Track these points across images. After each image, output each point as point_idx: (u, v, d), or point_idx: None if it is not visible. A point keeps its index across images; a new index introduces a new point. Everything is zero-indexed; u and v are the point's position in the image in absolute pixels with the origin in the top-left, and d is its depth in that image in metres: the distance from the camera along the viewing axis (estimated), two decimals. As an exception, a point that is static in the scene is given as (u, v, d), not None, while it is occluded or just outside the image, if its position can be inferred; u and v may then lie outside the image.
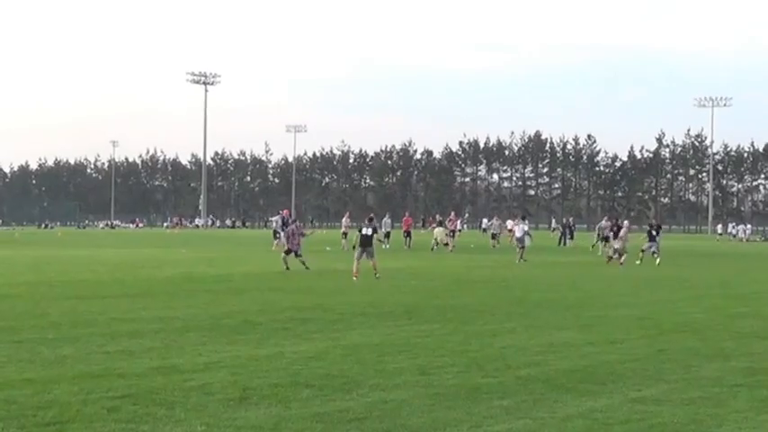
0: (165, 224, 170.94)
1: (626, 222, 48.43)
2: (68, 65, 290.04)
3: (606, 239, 50.86)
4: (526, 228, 48.32)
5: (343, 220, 64.61)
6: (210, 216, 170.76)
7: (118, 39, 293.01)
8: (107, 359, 14.12)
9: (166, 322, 18.85)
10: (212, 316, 20.03)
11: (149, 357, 14.35)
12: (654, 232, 47.25)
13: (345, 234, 59.90)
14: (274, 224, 59.89)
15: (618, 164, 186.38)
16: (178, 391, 11.72)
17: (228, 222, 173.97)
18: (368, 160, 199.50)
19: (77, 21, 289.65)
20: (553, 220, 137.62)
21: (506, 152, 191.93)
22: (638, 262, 44.16)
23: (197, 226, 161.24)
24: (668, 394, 11.99)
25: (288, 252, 35.92)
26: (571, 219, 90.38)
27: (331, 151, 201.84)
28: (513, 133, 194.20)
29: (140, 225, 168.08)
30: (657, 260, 43.83)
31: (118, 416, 10.40)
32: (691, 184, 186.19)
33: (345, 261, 36.79)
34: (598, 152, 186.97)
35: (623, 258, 43.06)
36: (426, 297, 25.22)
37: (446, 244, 57.38)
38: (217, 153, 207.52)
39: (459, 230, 76.20)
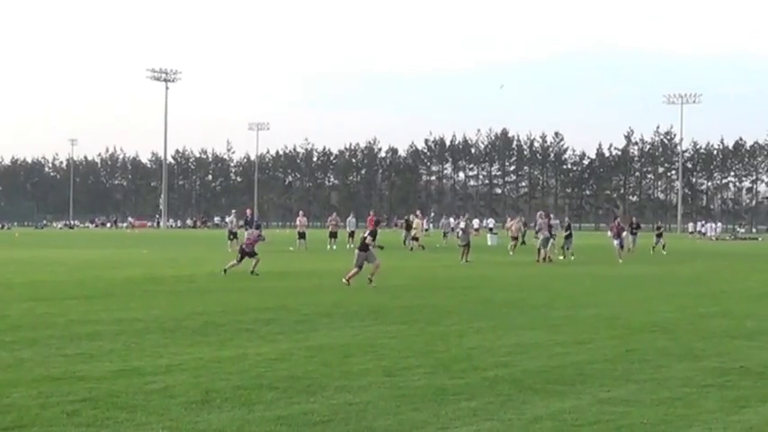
0: (124, 224, 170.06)
1: (540, 213, 49.75)
2: (25, 61, 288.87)
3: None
4: (462, 225, 48.45)
5: (298, 219, 63.81)
6: (157, 215, 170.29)
7: (76, 35, 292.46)
8: (66, 362, 13.87)
9: (127, 324, 18.59)
10: (174, 317, 19.79)
11: (109, 360, 14.11)
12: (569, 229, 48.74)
13: (302, 234, 59.03)
14: (229, 224, 58.87)
15: (586, 162, 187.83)
16: (139, 395, 11.52)
17: (190, 222, 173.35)
18: (332, 158, 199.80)
19: (35, 17, 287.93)
20: (508, 219, 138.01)
21: (473, 150, 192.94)
22: (561, 257, 47.59)
23: (157, 225, 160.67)
24: (637, 395, 11.89)
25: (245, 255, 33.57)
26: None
27: (294, 149, 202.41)
28: (479, 131, 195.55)
29: (110, 225, 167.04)
30: (548, 254, 45.37)
31: (78, 420, 10.20)
32: (660, 182, 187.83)
33: (307, 261, 36.53)
34: (566, 150, 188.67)
35: (544, 253, 45.25)
36: (392, 297, 25.06)
37: (416, 238, 57.44)
38: (178, 151, 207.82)
39: (426, 230, 76.25)
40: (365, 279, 28.43)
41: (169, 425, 10.02)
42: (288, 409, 10.81)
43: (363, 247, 29.30)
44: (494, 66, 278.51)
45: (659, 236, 57.65)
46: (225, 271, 32.73)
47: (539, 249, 45.82)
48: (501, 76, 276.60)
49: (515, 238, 58.17)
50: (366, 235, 29.98)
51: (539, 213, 50.94)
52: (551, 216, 51.31)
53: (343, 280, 28.58)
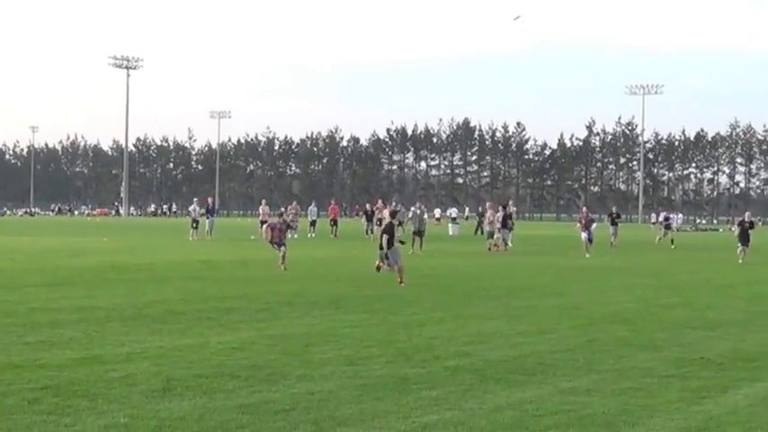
0: (86, 212, 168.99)
1: (490, 204, 50.12)
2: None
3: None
4: (410, 215, 48.59)
5: (260, 208, 63.64)
6: (117, 203, 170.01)
7: (37, 21, 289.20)
8: (27, 350, 13.80)
9: (88, 312, 18.50)
10: (134, 305, 19.71)
11: (70, 348, 14.05)
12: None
13: (265, 222, 58.81)
14: (193, 213, 58.58)
15: (547, 152, 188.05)
16: (100, 383, 11.47)
17: (151, 209, 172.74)
18: (293, 147, 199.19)
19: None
20: (467, 209, 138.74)
21: (434, 140, 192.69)
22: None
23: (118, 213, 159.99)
24: (599, 385, 11.94)
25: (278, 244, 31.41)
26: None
27: (256, 138, 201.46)
28: (441, 120, 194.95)
29: (77, 213, 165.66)
30: (493, 244, 46.38)
31: (39, 408, 10.15)
32: (621, 173, 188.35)
33: (269, 250, 36.22)
34: (527, 140, 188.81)
35: (496, 243, 46.19)
36: (353, 287, 25.06)
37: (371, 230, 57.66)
38: (139, 139, 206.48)
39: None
40: (330, 267, 28.35)
41: (130, 413, 9.97)
42: (249, 398, 10.80)
43: (387, 244, 27.11)
44: (456, 57, 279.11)
45: (668, 228, 57.76)
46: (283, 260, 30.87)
47: (503, 240, 46.23)
48: (462, 64, 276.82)
49: None
50: (382, 233, 27.72)
51: (488, 204, 51.37)
52: (509, 205, 51.19)
53: (401, 284, 25.89)
